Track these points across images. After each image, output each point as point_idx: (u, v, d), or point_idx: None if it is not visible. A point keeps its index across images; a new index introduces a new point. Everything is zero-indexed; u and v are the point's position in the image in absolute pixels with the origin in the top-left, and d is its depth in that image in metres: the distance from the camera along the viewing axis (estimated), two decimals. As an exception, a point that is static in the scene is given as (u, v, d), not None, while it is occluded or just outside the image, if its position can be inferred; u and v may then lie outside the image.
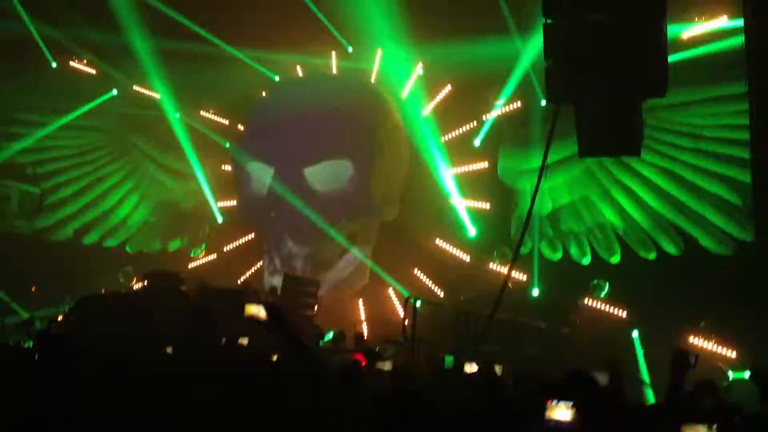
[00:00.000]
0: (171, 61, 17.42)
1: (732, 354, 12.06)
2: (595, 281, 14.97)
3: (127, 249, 19.31)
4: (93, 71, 18.92)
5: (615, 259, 15.02)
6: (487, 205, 16.74)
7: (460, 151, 17.19)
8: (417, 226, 16.94)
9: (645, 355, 12.62)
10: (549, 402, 3.40)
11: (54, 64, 18.33)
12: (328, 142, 16.80)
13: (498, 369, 5.33)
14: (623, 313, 14.32)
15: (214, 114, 19.34)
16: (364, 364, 4.34)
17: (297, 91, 18.14)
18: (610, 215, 15.21)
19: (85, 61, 19.02)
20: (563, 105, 8.49)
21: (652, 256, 14.59)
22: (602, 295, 14.80)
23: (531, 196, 10.04)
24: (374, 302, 17.14)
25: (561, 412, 3.36)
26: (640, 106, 7.71)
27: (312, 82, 18.50)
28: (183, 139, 18.11)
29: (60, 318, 12.17)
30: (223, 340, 5.14)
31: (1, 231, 18.12)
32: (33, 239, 18.66)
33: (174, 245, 19.56)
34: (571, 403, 3.38)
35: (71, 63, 18.72)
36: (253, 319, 3.08)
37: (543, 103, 15.00)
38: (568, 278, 15.22)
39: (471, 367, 5.33)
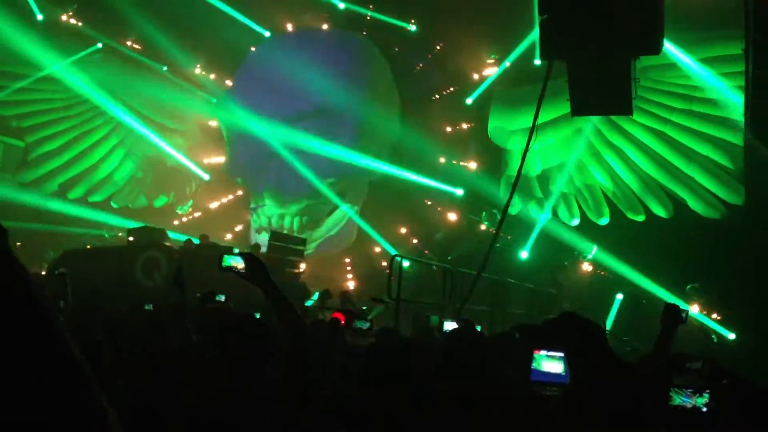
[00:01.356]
0: (157, 14, 16.99)
1: (718, 316, 12.10)
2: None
3: (113, 204, 19.11)
4: (78, 23, 18.48)
5: (603, 221, 14.94)
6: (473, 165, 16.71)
7: (451, 109, 17.00)
8: (406, 184, 16.82)
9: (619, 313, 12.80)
10: (536, 351, 2.89)
11: (40, 17, 17.82)
12: (319, 98, 16.58)
13: (479, 327, 5.22)
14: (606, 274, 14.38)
15: (202, 69, 19.00)
16: (343, 323, 4.24)
17: (287, 47, 17.82)
18: (599, 176, 15.08)
19: (70, 14, 18.58)
20: (556, 63, 8.31)
21: (640, 218, 14.50)
22: (589, 256, 14.80)
23: (521, 156, 9.88)
24: (362, 261, 17.12)
25: (550, 363, 2.86)
26: (633, 65, 7.55)
27: (303, 38, 18.16)
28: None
29: (43, 272, 12.04)
30: (197, 295, 5.04)
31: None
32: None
33: (160, 201, 19.41)
34: (561, 353, 2.78)
35: (57, 15, 18.23)
36: (231, 272, 2.91)
37: (537, 61, 14.71)
38: (556, 239, 15.17)
39: (450, 326, 5.22)
